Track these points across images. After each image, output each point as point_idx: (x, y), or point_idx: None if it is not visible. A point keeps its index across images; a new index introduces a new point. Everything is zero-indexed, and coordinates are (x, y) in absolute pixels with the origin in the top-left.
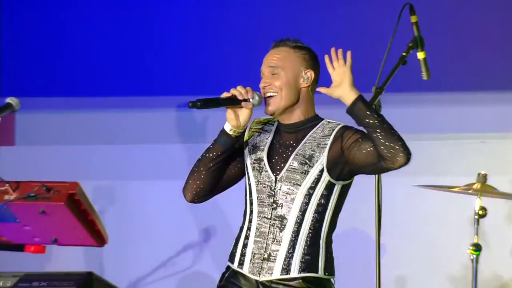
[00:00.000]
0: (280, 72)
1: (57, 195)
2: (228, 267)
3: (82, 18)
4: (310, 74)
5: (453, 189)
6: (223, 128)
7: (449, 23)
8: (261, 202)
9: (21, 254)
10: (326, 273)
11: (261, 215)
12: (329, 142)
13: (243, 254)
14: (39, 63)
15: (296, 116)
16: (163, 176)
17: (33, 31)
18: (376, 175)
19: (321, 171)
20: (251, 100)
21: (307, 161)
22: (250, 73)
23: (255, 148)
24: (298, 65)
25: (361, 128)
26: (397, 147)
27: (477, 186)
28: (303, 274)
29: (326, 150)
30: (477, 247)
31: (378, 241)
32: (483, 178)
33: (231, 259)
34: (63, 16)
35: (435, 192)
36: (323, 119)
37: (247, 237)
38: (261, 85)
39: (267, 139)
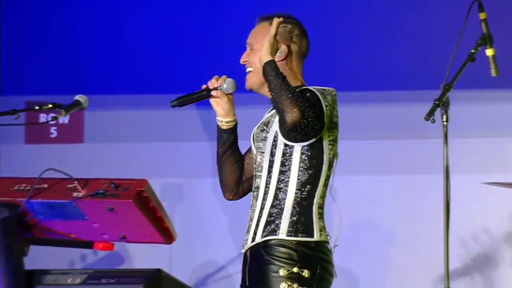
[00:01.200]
0: (254, 47)
1: (126, 192)
2: None
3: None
4: (284, 48)
5: None
6: (217, 121)
7: None
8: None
9: (89, 250)
10: (292, 235)
11: (252, 190)
12: None
13: None
14: (104, 60)
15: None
16: None
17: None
18: (444, 172)
19: (275, 134)
20: (220, 88)
21: (265, 128)
22: None
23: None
24: (270, 41)
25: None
26: (283, 105)
27: None
28: (264, 238)
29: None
30: None
31: (447, 238)
32: None
33: None
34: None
35: (504, 189)
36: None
37: None
38: (241, 61)
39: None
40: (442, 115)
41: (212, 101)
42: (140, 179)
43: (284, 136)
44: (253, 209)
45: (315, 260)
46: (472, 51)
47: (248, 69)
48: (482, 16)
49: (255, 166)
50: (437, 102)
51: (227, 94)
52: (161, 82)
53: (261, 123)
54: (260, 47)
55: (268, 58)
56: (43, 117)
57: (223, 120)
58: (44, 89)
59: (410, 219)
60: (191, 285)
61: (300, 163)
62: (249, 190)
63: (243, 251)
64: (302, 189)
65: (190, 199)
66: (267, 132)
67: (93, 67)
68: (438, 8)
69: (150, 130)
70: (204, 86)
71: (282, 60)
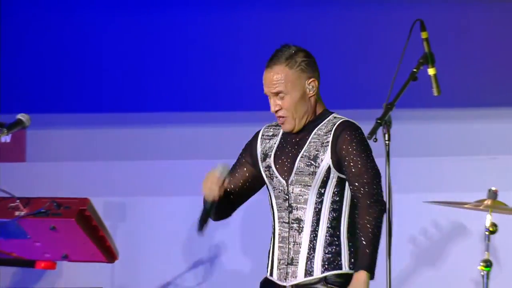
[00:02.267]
0: (285, 96)
1: (68, 211)
2: (264, 278)
3: (88, 34)
4: (314, 82)
5: (463, 205)
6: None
7: (460, 39)
8: (279, 207)
9: (31, 270)
10: (352, 268)
11: (281, 220)
12: (330, 139)
13: (272, 262)
14: (47, 80)
15: (309, 117)
16: (174, 192)
17: (42, 48)
18: (387, 192)
19: (328, 169)
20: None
21: (312, 162)
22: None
23: (265, 156)
24: (299, 81)
25: (359, 135)
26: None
27: (487, 202)
28: (326, 273)
29: (329, 148)
30: (488, 263)
31: (389, 257)
32: (493, 194)
33: (266, 268)
34: (66, 33)
35: (445, 208)
36: (331, 113)
37: (273, 244)
38: (272, 109)
39: (274, 143)
40: (384, 134)
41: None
42: (82, 198)
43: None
44: (295, 241)
45: None
46: (414, 70)
47: (283, 116)
48: (423, 35)
49: (284, 192)
50: (379, 121)
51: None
52: (102, 101)
53: (303, 158)
54: (293, 95)
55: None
56: None
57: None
58: (51, 107)
59: None
60: None
61: (350, 200)
62: (237, 208)
63: (286, 283)
64: (351, 224)
65: (132, 218)
66: (316, 166)
67: (35, 86)
68: (380, 27)
69: (92, 149)
70: (209, 200)
71: (314, 95)
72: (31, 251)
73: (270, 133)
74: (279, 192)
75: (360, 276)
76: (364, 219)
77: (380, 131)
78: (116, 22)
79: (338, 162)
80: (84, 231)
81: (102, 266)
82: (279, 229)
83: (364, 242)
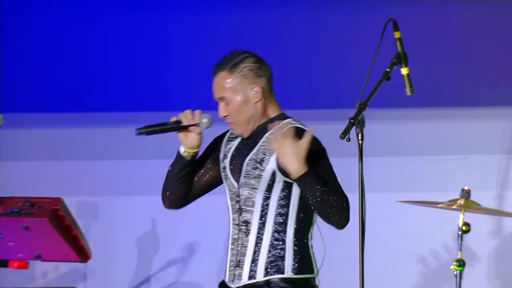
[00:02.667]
0: (229, 102)
1: (41, 211)
2: (222, 280)
3: (71, 32)
4: (257, 89)
5: (436, 205)
6: (178, 152)
7: (433, 39)
8: (232, 209)
9: (4, 270)
10: (297, 273)
11: (233, 222)
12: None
13: (226, 263)
14: (20, 78)
15: (262, 120)
16: (146, 191)
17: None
18: (360, 189)
19: (273, 174)
20: (198, 123)
21: (258, 166)
22: None
23: (224, 156)
24: (241, 87)
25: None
26: (333, 214)
27: (460, 201)
28: (268, 277)
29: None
30: (461, 263)
31: (362, 257)
32: (466, 194)
33: (224, 271)
34: (49, 31)
35: (419, 208)
36: (284, 117)
37: (228, 246)
38: (220, 115)
39: (233, 145)
40: (358, 133)
41: (181, 134)
42: (55, 198)
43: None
44: (242, 244)
45: None
46: (387, 70)
47: (230, 122)
48: (397, 35)
49: (236, 194)
50: (352, 121)
51: (200, 130)
52: (77, 100)
53: (250, 161)
54: (235, 101)
55: (305, 169)
56: None
57: (190, 151)
58: (23, 107)
59: (326, 238)
60: None
61: (300, 204)
62: (191, 201)
63: (233, 286)
64: (301, 226)
65: (105, 217)
66: (262, 170)
67: (8, 85)
68: (353, 27)
69: (65, 148)
70: (173, 119)
71: (259, 100)
72: (4, 251)
73: (234, 135)
74: (232, 194)
75: (300, 170)
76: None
77: (353, 130)
78: (101, 22)
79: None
80: (57, 230)
81: (75, 266)
82: (232, 231)
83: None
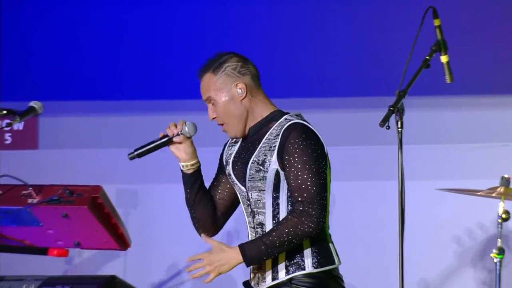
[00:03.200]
0: (215, 102)
1: (80, 199)
2: (245, 281)
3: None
4: (241, 86)
5: (476, 193)
6: (181, 168)
7: (472, 26)
8: (246, 212)
9: (43, 257)
10: (318, 266)
11: (249, 225)
12: (277, 143)
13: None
14: (59, 68)
15: (257, 118)
16: None
17: (56, 38)
18: (400, 179)
19: (277, 173)
20: (181, 133)
21: (261, 167)
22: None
23: (226, 163)
24: (225, 86)
25: (305, 136)
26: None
27: (500, 189)
28: (291, 275)
29: (275, 152)
30: (501, 251)
31: (402, 244)
32: (506, 182)
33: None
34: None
35: (458, 196)
36: (284, 114)
37: None
38: (209, 117)
39: (234, 150)
40: (397, 121)
41: (172, 148)
42: (94, 186)
43: None
44: None
45: (340, 284)
46: (427, 57)
47: (221, 123)
48: (436, 22)
49: (246, 197)
50: (391, 109)
51: (188, 138)
52: (116, 89)
53: (253, 164)
54: (220, 101)
55: (239, 255)
56: None
57: (188, 164)
58: (64, 94)
59: (366, 225)
60: None
61: None
62: (225, 221)
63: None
64: None
65: (144, 205)
66: (265, 171)
67: (48, 74)
68: (392, 14)
69: (105, 136)
70: (161, 134)
71: (245, 97)
72: (43, 239)
73: (233, 140)
74: (243, 198)
75: (235, 254)
76: (293, 220)
77: (392, 118)
78: (121, 17)
79: (285, 160)
80: (97, 218)
81: (114, 254)
82: (250, 234)
83: (273, 233)
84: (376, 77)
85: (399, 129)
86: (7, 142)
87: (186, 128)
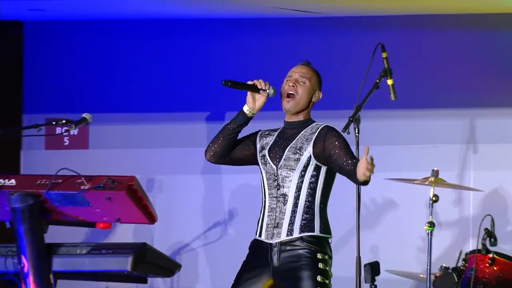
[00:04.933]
0: (305, 83)
1: (120, 186)
2: (253, 240)
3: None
4: (319, 95)
5: (413, 181)
6: (242, 109)
7: (411, 58)
8: (269, 186)
9: (92, 229)
10: (322, 232)
11: (271, 196)
12: (314, 136)
13: (261, 227)
14: (104, 88)
15: (300, 117)
16: (199, 172)
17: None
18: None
19: (309, 157)
20: (267, 91)
21: (298, 152)
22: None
23: (262, 149)
24: (316, 85)
25: (334, 130)
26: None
27: (431, 179)
28: (302, 234)
29: (312, 142)
30: (431, 224)
31: (358, 219)
32: (435, 173)
33: (256, 232)
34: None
35: (400, 184)
36: (314, 121)
37: (263, 214)
38: (289, 84)
39: (270, 140)
40: (355, 128)
41: (251, 94)
42: (130, 176)
43: (322, 161)
44: (280, 211)
45: (331, 251)
46: (377, 81)
47: (291, 94)
48: (384, 55)
49: (274, 175)
50: (351, 119)
51: (267, 96)
52: (143, 104)
53: (291, 148)
54: (309, 88)
55: (366, 179)
56: (58, 130)
57: (252, 112)
58: (59, 109)
59: (332, 206)
60: (169, 255)
61: (324, 182)
62: (222, 163)
63: (272, 241)
64: (322, 200)
65: (168, 190)
66: (301, 155)
67: (96, 93)
68: (353, 49)
69: (137, 139)
70: (250, 82)
71: (315, 101)
72: (92, 216)
73: (266, 133)
74: (270, 174)
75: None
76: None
77: (352, 126)
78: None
79: (318, 153)
80: (132, 200)
81: (145, 227)
82: (269, 202)
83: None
84: (340, 95)
85: (356, 134)
86: (66, 144)
87: (272, 90)
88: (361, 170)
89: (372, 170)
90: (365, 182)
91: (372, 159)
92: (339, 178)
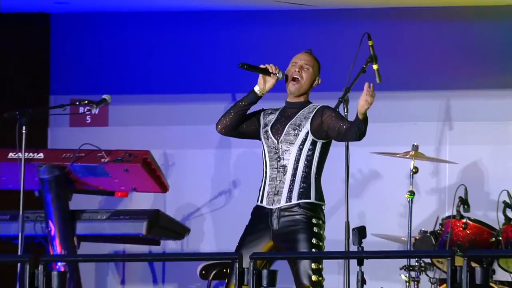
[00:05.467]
0: (309, 69)
1: (136, 159)
2: (255, 206)
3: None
4: (319, 81)
5: (396, 155)
6: (253, 89)
7: (393, 45)
8: (270, 158)
9: (112, 197)
10: (316, 200)
11: (271, 167)
12: (311, 115)
13: (262, 194)
14: (123, 72)
15: (301, 99)
16: (206, 146)
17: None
18: (346, 145)
19: (307, 133)
20: (277, 74)
21: (297, 127)
22: None
23: (265, 125)
24: (317, 72)
25: (329, 107)
26: (356, 137)
27: (411, 153)
28: (299, 201)
29: (309, 119)
30: (411, 193)
31: (347, 189)
32: (415, 148)
33: (257, 199)
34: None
35: (384, 157)
36: (311, 102)
37: (264, 183)
38: (295, 69)
39: (273, 118)
40: (344, 108)
41: (262, 77)
42: (145, 150)
43: (318, 136)
44: (280, 179)
45: (324, 216)
46: (364, 66)
47: (297, 78)
48: (370, 43)
49: (275, 148)
50: (340, 100)
51: (276, 79)
52: (160, 87)
53: (291, 125)
54: (311, 74)
55: (365, 116)
56: (81, 109)
57: (262, 92)
58: (82, 90)
59: (325, 176)
60: (179, 220)
61: (320, 154)
62: (231, 135)
63: (272, 206)
64: (317, 171)
65: (179, 163)
66: (300, 130)
67: (115, 76)
68: (344, 37)
69: (153, 118)
70: (262, 66)
71: (314, 86)
72: (111, 185)
73: (269, 112)
74: (271, 148)
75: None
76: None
77: (341, 106)
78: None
79: (315, 129)
80: (146, 172)
81: (158, 195)
82: (270, 172)
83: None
84: (332, 78)
85: (346, 113)
86: (88, 121)
87: (281, 74)
88: (361, 103)
89: (372, 98)
90: (361, 135)
91: (372, 86)
92: (331, 153)
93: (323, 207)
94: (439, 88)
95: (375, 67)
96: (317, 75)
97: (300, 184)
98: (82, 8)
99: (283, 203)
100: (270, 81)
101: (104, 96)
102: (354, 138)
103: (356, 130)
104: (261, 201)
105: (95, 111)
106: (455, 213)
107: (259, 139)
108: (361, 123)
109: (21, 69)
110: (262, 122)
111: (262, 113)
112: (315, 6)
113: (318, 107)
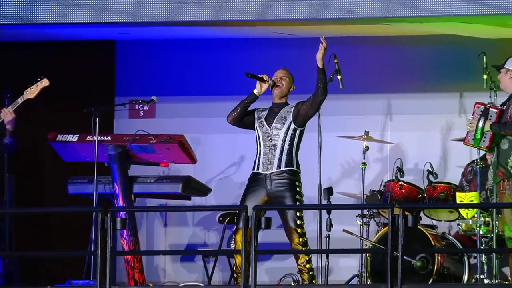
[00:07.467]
0: (286, 79)
1: (173, 141)
2: (252, 173)
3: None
4: (293, 87)
5: (353, 138)
6: (253, 91)
7: (353, 62)
8: (264, 140)
9: (157, 167)
10: (297, 168)
11: (265, 146)
12: (291, 109)
13: (258, 164)
14: (169, 77)
15: (282, 100)
16: (222, 132)
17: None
18: (318, 131)
19: (290, 122)
20: (269, 82)
21: (283, 119)
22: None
23: (259, 118)
24: (291, 82)
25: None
26: (321, 92)
27: (364, 136)
28: (286, 168)
29: (291, 113)
30: (364, 164)
31: (320, 160)
32: (367, 133)
33: (253, 168)
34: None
35: (346, 140)
36: (289, 103)
37: (259, 157)
38: (277, 79)
39: (265, 114)
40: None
41: (259, 83)
42: (180, 135)
43: (313, 111)
44: (272, 153)
45: (301, 180)
46: (331, 76)
47: (279, 85)
48: (335, 60)
49: (267, 133)
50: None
51: (267, 86)
52: (191, 91)
53: (278, 118)
54: (288, 83)
55: (322, 65)
56: (137, 106)
57: (259, 93)
58: (137, 93)
59: (302, 153)
60: (203, 182)
61: (298, 137)
62: (238, 125)
63: (267, 172)
64: (297, 148)
65: (205, 144)
66: (285, 121)
67: (160, 83)
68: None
69: (185, 112)
70: (260, 75)
71: (290, 91)
72: (157, 159)
73: (261, 110)
74: (264, 133)
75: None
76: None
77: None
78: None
79: (295, 117)
80: (181, 150)
81: (190, 166)
82: (263, 150)
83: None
84: (309, 86)
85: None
86: (141, 115)
87: (271, 82)
88: (318, 56)
89: (324, 47)
90: (324, 89)
91: (323, 38)
92: (309, 137)
93: (299, 174)
94: (383, 91)
95: (339, 77)
96: (292, 83)
97: (286, 157)
98: (139, 36)
99: (275, 169)
100: (264, 86)
101: (152, 97)
102: (320, 94)
103: (319, 83)
104: (257, 169)
105: (146, 107)
106: (394, 177)
107: (253, 128)
108: (321, 73)
109: (94, 80)
110: (256, 116)
111: (255, 111)
112: (298, 35)
113: (295, 104)
